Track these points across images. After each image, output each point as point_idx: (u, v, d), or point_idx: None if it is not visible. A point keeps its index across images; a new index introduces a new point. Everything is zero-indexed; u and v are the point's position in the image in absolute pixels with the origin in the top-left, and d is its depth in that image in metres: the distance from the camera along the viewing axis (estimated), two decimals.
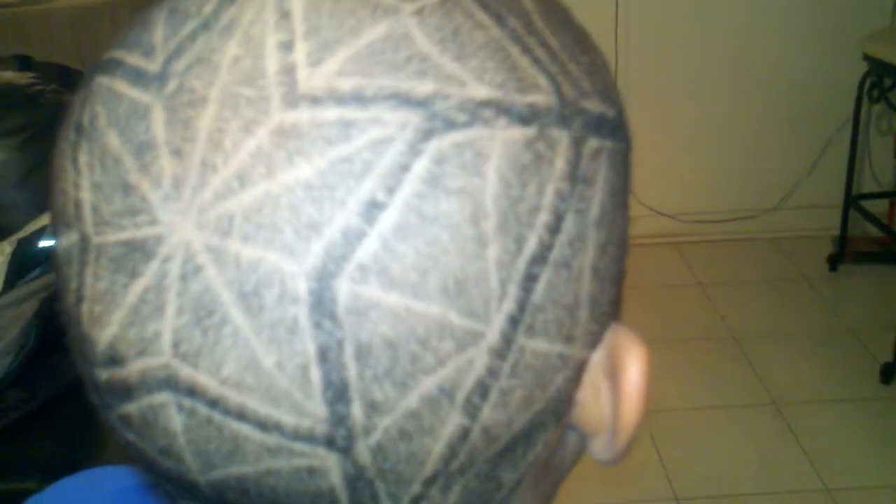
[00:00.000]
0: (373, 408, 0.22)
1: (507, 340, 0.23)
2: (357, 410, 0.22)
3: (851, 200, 2.75)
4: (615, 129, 0.26)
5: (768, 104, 2.90)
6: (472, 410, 0.23)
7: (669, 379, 2.36)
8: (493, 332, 0.22)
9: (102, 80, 0.24)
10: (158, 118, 0.22)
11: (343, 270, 0.21)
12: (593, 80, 0.26)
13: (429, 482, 0.23)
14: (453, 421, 0.23)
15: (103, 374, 0.23)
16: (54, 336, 1.35)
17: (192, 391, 0.22)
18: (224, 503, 0.24)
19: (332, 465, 0.22)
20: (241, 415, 0.22)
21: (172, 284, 0.22)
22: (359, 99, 0.21)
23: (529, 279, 0.23)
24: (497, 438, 0.24)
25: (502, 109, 0.23)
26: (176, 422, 0.23)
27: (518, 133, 0.23)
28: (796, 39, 2.81)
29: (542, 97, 0.23)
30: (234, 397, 0.22)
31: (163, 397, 0.22)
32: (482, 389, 0.23)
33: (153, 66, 0.23)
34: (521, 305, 0.23)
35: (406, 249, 0.21)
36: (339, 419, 0.22)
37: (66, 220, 0.24)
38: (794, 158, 2.96)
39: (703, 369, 2.40)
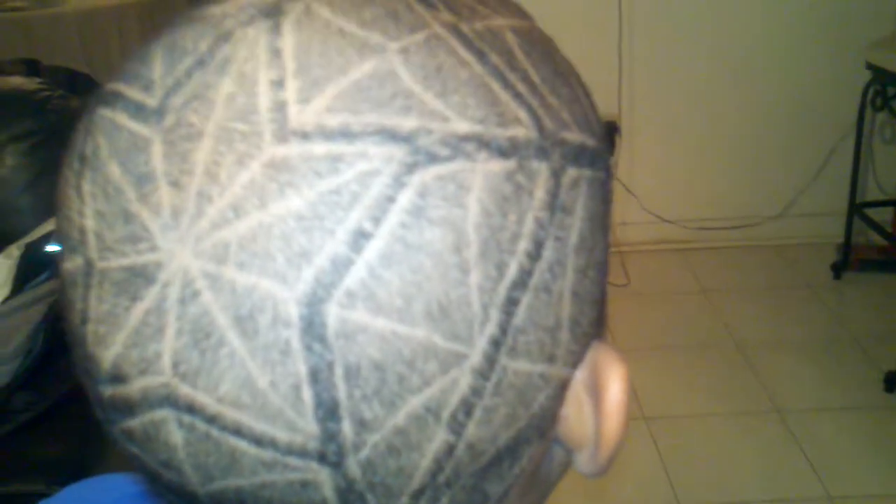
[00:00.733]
0: (362, 425, 0.23)
1: (490, 361, 0.24)
2: (347, 428, 0.23)
3: (855, 208, 2.75)
4: (594, 158, 0.27)
5: (772, 112, 2.91)
6: (457, 427, 0.24)
7: (672, 386, 2.37)
8: (476, 354, 0.24)
9: (104, 112, 0.26)
10: (157, 151, 0.24)
11: (332, 296, 0.22)
12: (573, 110, 0.27)
13: (417, 495, 0.25)
14: (439, 437, 0.24)
15: (107, 391, 0.25)
16: (62, 340, 1.36)
17: (191, 408, 0.23)
18: None
19: (324, 479, 0.23)
20: (238, 431, 0.23)
21: (172, 308, 0.23)
22: (346, 134, 0.23)
23: (511, 303, 0.24)
24: (482, 453, 0.25)
25: (483, 143, 0.24)
26: (176, 436, 0.24)
27: (498, 165, 0.24)
28: (800, 48, 2.82)
29: (522, 130, 0.25)
30: (230, 415, 0.23)
31: (163, 413, 0.24)
32: (466, 408, 0.24)
33: (152, 101, 0.25)
34: (503, 328, 0.24)
35: (392, 276, 0.22)
36: (330, 436, 0.23)
37: (71, 244, 0.25)
38: (798, 166, 2.96)
39: (706, 376, 2.41)
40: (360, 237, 0.22)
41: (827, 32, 2.80)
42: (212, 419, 0.23)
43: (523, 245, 0.24)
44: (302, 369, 0.22)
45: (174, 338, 0.23)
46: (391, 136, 0.23)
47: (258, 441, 0.23)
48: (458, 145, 0.23)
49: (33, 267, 1.47)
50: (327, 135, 0.23)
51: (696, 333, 2.61)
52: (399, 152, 0.23)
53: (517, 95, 0.25)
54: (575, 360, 0.27)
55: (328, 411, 0.23)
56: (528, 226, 0.24)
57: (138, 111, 0.25)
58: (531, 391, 0.25)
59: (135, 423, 0.24)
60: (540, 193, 0.25)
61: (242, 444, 0.23)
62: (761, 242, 3.04)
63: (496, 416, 0.25)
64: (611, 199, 0.29)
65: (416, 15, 0.25)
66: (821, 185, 2.96)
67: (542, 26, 0.30)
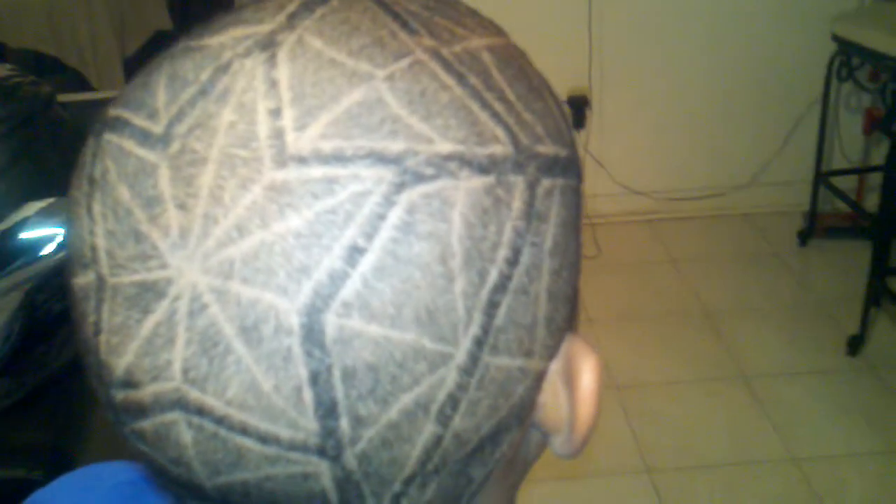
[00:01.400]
0: (358, 421, 0.25)
1: (474, 359, 0.26)
2: (345, 424, 0.25)
3: (821, 177, 2.80)
4: (566, 167, 0.30)
5: (740, 83, 2.94)
6: (444, 420, 0.26)
7: (642, 354, 2.42)
8: (461, 353, 0.26)
9: (111, 138, 0.28)
10: (164, 175, 0.26)
11: (330, 307, 0.24)
12: (546, 124, 0.29)
13: (408, 481, 0.27)
14: (428, 429, 0.26)
15: (119, 395, 0.27)
16: (39, 327, 1.37)
17: (201, 411, 0.25)
18: None
19: (323, 471, 0.26)
20: (244, 430, 0.25)
21: (181, 320, 0.25)
22: (340, 158, 0.25)
23: (492, 306, 0.26)
24: (467, 442, 0.27)
25: (465, 161, 0.26)
26: (186, 436, 0.26)
27: (479, 182, 0.26)
28: (767, 20, 2.85)
29: (499, 147, 0.27)
30: (237, 416, 0.25)
31: (174, 416, 0.26)
32: (453, 402, 0.26)
33: (157, 129, 0.26)
34: (486, 329, 0.26)
35: (384, 287, 0.25)
36: (329, 432, 0.25)
37: (82, 261, 0.27)
38: (765, 136, 3.01)
39: (675, 344, 2.46)
40: (355, 252, 0.24)
41: (793, 5, 2.83)
42: (220, 420, 0.25)
43: (503, 253, 0.26)
44: (303, 373, 0.24)
45: (184, 347, 0.25)
46: (381, 158, 0.25)
47: (263, 439, 0.25)
48: (442, 165, 0.26)
49: (7, 254, 1.47)
50: (322, 159, 0.25)
51: (665, 302, 2.66)
52: (388, 174, 0.25)
53: (494, 115, 0.27)
54: (550, 354, 0.30)
55: (327, 410, 0.25)
56: (507, 235, 0.27)
57: (145, 138, 0.27)
58: (511, 384, 0.28)
59: (146, 424, 0.26)
60: (517, 204, 0.27)
61: (248, 442, 0.25)
62: (729, 212, 3.09)
63: (480, 408, 0.27)
64: (581, 204, 0.31)
65: (400, 42, 0.27)
66: (787, 154, 3.01)
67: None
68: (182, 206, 0.25)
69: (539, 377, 0.30)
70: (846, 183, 2.84)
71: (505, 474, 0.33)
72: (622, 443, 2.12)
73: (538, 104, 0.30)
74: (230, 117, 0.25)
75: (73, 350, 1.23)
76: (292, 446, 0.25)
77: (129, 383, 0.26)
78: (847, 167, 2.93)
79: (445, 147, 0.26)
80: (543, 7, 2.78)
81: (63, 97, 1.94)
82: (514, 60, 0.31)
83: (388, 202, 0.25)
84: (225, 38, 0.27)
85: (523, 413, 0.30)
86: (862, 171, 2.91)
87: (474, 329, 0.26)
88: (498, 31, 0.32)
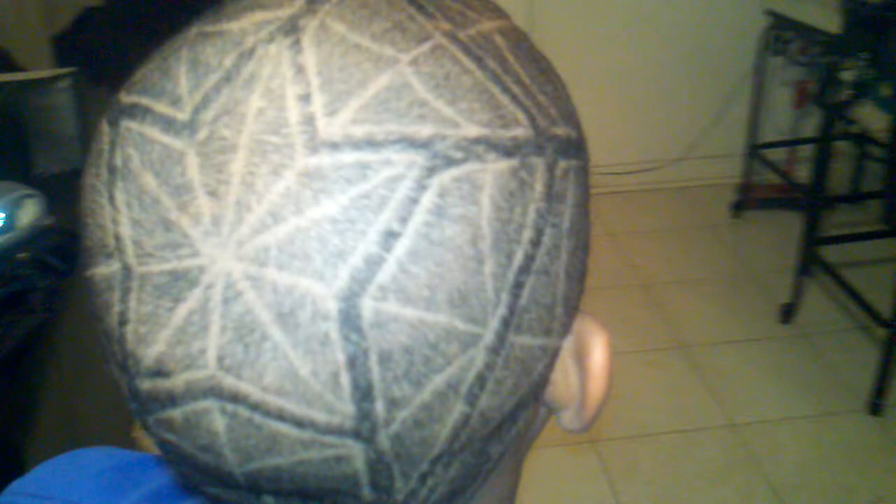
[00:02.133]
0: (392, 403, 0.26)
1: (501, 339, 0.27)
2: (380, 407, 0.25)
3: (753, 149, 2.88)
4: (578, 148, 0.30)
5: (673, 58, 2.99)
6: (472, 399, 0.27)
7: None
8: (489, 334, 0.26)
9: (131, 125, 0.27)
10: (192, 163, 0.25)
11: (366, 291, 0.24)
12: (558, 106, 0.30)
13: (435, 461, 0.28)
14: (458, 409, 0.27)
15: (146, 385, 0.27)
16: None
17: (235, 398, 0.25)
18: (256, 489, 0.27)
19: (356, 453, 0.26)
20: (280, 415, 0.25)
21: (216, 308, 0.25)
22: (371, 143, 0.25)
23: (517, 287, 0.27)
24: (490, 420, 0.28)
25: (491, 145, 0.26)
26: (219, 423, 0.26)
27: (505, 164, 0.26)
28: None
29: (521, 130, 0.27)
30: (274, 401, 0.25)
31: (207, 403, 0.26)
32: (481, 381, 0.27)
33: (182, 115, 0.26)
34: (511, 309, 0.27)
35: (418, 270, 0.25)
36: (364, 415, 0.25)
37: (105, 250, 0.27)
38: (699, 110, 3.07)
39: (615, 317, 2.51)
40: (390, 236, 0.24)
41: None
42: (255, 406, 0.25)
43: (527, 234, 0.27)
44: (340, 357, 0.25)
45: (218, 335, 0.25)
46: (411, 143, 0.25)
47: (298, 423, 0.25)
48: (469, 148, 0.26)
49: None
50: (354, 144, 0.25)
51: (603, 276, 2.71)
52: (419, 158, 0.25)
53: (514, 98, 0.28)
54: (566, 332, 0.30)
55: (363, 393, 0.25)
56: (531, 216, 0.27)
57: (169, 125, 0.26)
58: (532, 362, 0.28)
59: (176, 412, 0.26)
60: (539, 186, 0.27)
61: (283, 427, 0.25)
62: (664, 185, 3.15)
63: (504, 386, 0.28)
64: (590, 184, 0.32)
65: (419, 25, 0.27)
66: (720, 127, 3.07)
67: None
68: (213, 194, 0.25)
69: (555, 355, 0.30)
70: (777, 155, 2.92)
71: (515, 450, 0.33)
72: None
73: (549, 86, 0.30)
74: (258, 103, 0.25)
75: (18, 337, 1.20)
76: (328, 430, 0.25)
77: (160, 372, 0.26)
78: (778, 139, 3.01)
79: (472, 131, 0.26)
80: None
81: None
82: (523, 42, 0.31)
83: (421, 186, 0.25)
84: (245, 24, 0.27)
85: (539, 390, 0.30)
86: (793, 143, 3.00)
87: (501, 309, 0.27)
88: (502, 13, 0.32)
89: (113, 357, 0.28)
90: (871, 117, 2.48)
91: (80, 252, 0.30)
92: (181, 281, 0.25)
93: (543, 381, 0.30)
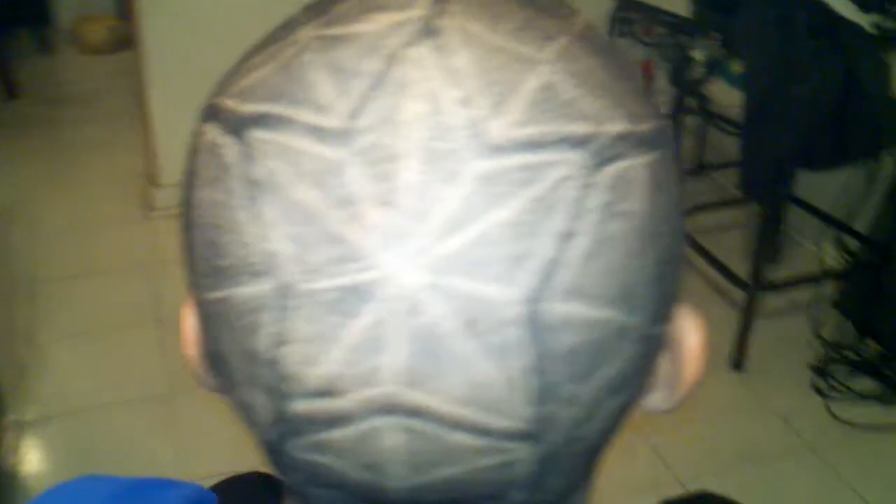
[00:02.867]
0: (564, 403, 0.26)
1: (652, 329, 0.28)
2: (553, 408, 0.26)
3: None
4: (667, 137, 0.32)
5: None
6: (628, 389, 0.28)
7: None
8: (646, 324, 0.27)
9: (267, 136, 0.26)
10: (356, 173, 0.24)
11: (546, 294, 0.25)
12: (649, 100, 0.31)
13: (591, 452, 0.28)
14: (617, 400, 0.28)
15: (302, 406, 0.26)
16: None
17: (415, 412, 0.25)
18: None
19: (526, 456, 0.26)
20: (460, 425, 0.25)
21: (396, 321, 0.24)
22: (536, 145, 0.25)
23: (662, 277, 0.28)
24: (631, 404, 0.29)
25: (635, 139, 0.27)
26: (391, 440, 0.25)
27: (649, 158, 0.27)
28: None
29: (650, 124, 0.28)
30: (455, 412, 0.25)
31: (381, 420, 0.25)
32: (635, 371, 0.28)
33: (335, 124, 0.25)
34: (659, 299, 0.28)
35: (592, 268, 0.25)
36: (539, 418, 0.26)
37: (251, 269, 0.26)
38: None
39: None
40: (565, 238, 0.25)
41: None
42: (435, 419, 0.25)
43: (669, 223, 0.28)
44: (523, 361, 0.25)
45: (399, 349, 0.24)
46: (571, 142, 0.25)
47: (478, 431, 0.25)
48: (620, 144, 0.26)
49: None
50: (520, 146, 0.25)
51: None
52: (580, 157, 0.25)
53: (633, 91, 0.28)
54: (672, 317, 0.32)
55: (542, 395, 0.25)
56: (668, 206, 0.28)
57: (321, 135, 0.25)
58: (658, 347, 0.30)
59: (341, 432, 0.25)
60: (673, 174, 0.29)
61: (460, 437, 0.25)
62: None
63: (645, 373, 0.29)
64: None
65: (542, 24, 0.28)
66: None
67: None
68: (385, 204, 0.24)
69: (670, 340, 0.31)
70: None
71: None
72: None
73: (639, 80, 0.31)
74: (418, 108, 0.25)
75: None
76: (504, 435, 0.25)
77: (327, 392, 0.25)
78: None
79: (617, 127, 0.27)
80: None
81: None
82: (604, 38, 0.32)
83: (587, 185, 0.25)
84: (375, 26, 0.26)
85: (653, 370, 0.32)
86: None
87: (654, 300, 0.27)
88: (576, 9, 0.32)
89: (256, 380, 0.26)
90: (723, 93, 2.62)
91: (194, 273, 0.29)
92: (354, 296, 0.24)
93: (657, 360, 0.31)
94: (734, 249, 2.39)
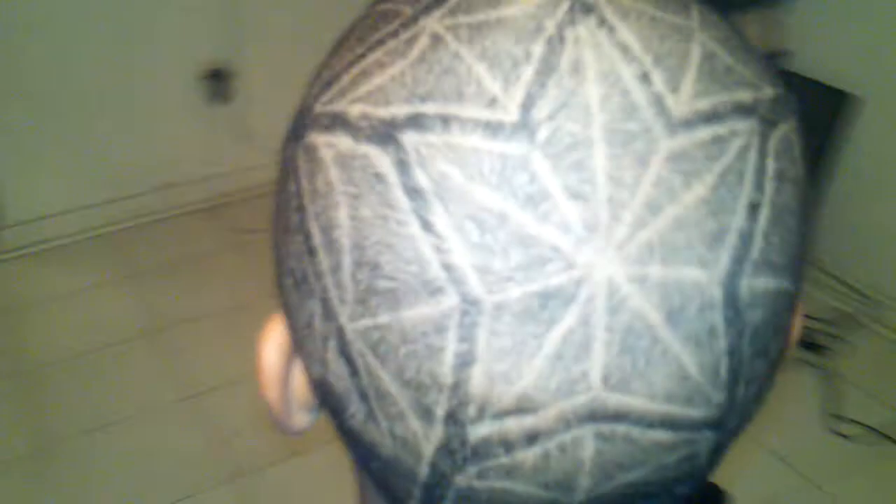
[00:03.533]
0: (749, 382, 0.25)
1: (796, 289, 0.27)
2: (741, 389, 0.25)
3: None
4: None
5: None
6: (781, 355, 0.27)
7: None
8: (800, 288, 0.27)
9: (424, 139, 0.23)
10: (542, 166, 0.22)
11: (743, 270, 0.24)
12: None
13: (742, 428, 0.27)
14: (778, 373, 0.27)
15: (484, 430, 0.23)
16: None
17: (618, 416, 0.23)
18: None
19: (708, 444, 0.25)
20: (661, 423, 0.24)
21: (599, 321, 0.22)
22: (716, 115, 0.24)
23: (808, 240, 0.27)
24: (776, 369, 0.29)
25: (782, 104, 0.26)
26: (587, 450, 0.23)
27: (794, 122, 0.27)
28: None
29: (780, 90, 0.27)
30: (658, 409, 0.23)
31: (581, 431, 0.23)
32: (784, 334, 0.27)
33: (508, 117, 0.23)
34: (804, 263, 0.27)
35: (775, 238, 0.24)
36: (730, 400, 0.25)
37: (429, 287, 0.23)
38: None
39: None
40: (753, 209, 0.24)
41: None
42: (639, 419, 0.23)
43: (803, 185, 0.27)
44: (723, 345, 0.24)
45: (603, 351, 0.22)
46: (743, 111, 0.24)
47: (676, 426, 0.24)
48: (777, 109, 0.26)
49: None
50: (704, 119, 0.24)
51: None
52: (753, 124, 0.24)
53: (759, 59, 0.28)
54: None
55: (734, 378, 0.24)
56: (798, 166, 0.27)
57: (494, 130, 0.23)
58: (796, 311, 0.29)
59: (529, 452, 0.24)
60: (799, 137, 0.28)
61: (656, 435, 0.24)
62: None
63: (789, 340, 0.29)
64: None
65: None
66: None
67: None
68: (578, 196, 0.22)
69: None
70: None
71: None
72: None
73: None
74: (597, 90, 0.23)
75: None
76: (697, 425, 0.24)
77: (522, 410, 0.23)
78: None
79: (770, 91, 0.26)
80: None
81: None
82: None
83: (762, 153, 0.24)
84: (519, 9, 0.24)
85: None
86: None
87: (803, 265, 0.27)
88: None
89: (426, 409, 0.24)
90: None
91: (326, 303, 0.25)
92: (554, 300, 0.22)
93: None
94: None
